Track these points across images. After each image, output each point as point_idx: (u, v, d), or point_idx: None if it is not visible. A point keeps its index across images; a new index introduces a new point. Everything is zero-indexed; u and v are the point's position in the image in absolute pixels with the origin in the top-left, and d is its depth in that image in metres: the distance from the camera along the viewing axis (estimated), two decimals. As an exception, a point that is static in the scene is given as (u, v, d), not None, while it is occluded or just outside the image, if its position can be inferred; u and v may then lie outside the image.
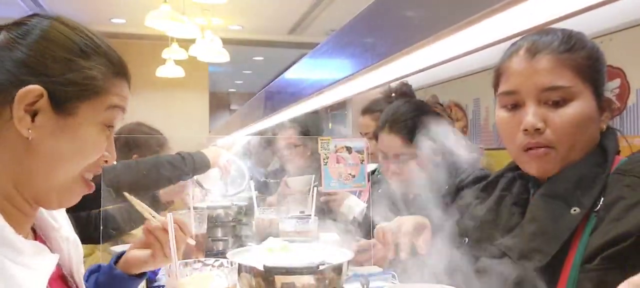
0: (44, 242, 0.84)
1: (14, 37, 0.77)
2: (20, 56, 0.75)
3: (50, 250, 0.81)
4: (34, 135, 0.74)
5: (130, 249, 1.16)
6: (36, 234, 0.85)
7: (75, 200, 0.82)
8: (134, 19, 6.41)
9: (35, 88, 0.74)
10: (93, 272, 1.14)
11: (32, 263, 0.72)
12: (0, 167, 0.75)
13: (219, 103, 11.71)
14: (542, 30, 0.99)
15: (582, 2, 0.53)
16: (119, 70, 0.86)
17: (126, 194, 1.24)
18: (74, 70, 0.78)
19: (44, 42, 0.77)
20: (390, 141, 1.74)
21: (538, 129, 0.95)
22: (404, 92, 2.07)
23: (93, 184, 0.84)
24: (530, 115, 0.96)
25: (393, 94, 2.13)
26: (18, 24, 0.80)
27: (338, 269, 1.09)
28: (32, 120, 0.74)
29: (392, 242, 1.19)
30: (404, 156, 1.71)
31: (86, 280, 1.11)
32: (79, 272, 0.90)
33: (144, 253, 1.13)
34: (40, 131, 0.75)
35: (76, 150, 0.79)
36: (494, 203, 1.11)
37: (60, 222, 0.88)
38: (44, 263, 0.75)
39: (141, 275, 1.16)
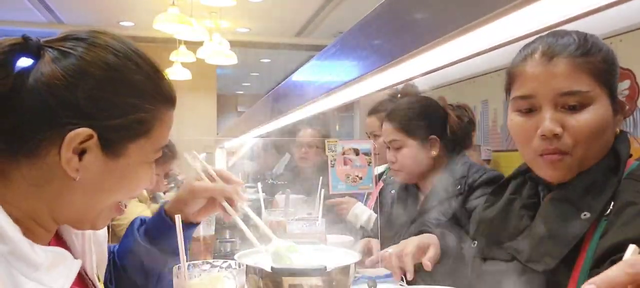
0: (65, 241, 0.83)
1: (58, 70, 0.71)
2: (67, 96, 0.70)
3: (72, 251, 0.80)
4: (81, 176, 0.72)
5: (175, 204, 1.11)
6: (57, 233, 0.83)
7: (105, 224, 0.82)
8: (142, 22, 6.45)
9: (84, 132, 0.70)
10: (141, 224, 1.12)
11: (45, 280, 0.70)
12: (38, 195, 0.73)
13: (226, 105, 11.74)
14: (556, 33, 0.97)
15: (593, 3, 0.53)
16: (169, 102, 0.81)
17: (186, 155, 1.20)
18: (126, 114, 0.74)
19: (94, 82, 0.71)
20: (386, 128, 1.80)
21: (556, 134, 0.94)
22: (410, 93, 2.07)
23: (123, 206, 0.83)
24: (548, 120, 0.94)
25: (399, 95, 2.14)
26: (61, 50, 0.73)
27: (345, 271, 1.08)
28: (79, 159, 0.72)
29: (397, 265, 1.21)
30: (396, 142, 1.76)
31: (136, 230, 1.10)
32: (102, 268, 0.90)
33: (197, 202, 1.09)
34: (87, 171, 0.72)
35: (122, 188, 0.77)
36: (504, 206, 1.11)
37: None
38: (61, 281, 0.72)
39: (190, 225, 1.13)
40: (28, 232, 0.71)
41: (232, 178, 1.13)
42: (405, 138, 1.75)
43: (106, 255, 0.97)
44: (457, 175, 1.67)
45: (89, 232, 0.87)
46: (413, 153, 1.74)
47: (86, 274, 0.87)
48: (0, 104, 0.69)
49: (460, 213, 1.51)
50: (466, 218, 1.37)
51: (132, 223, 1.13)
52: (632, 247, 0.61)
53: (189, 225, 1.13)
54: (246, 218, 1.20)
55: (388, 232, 1.77)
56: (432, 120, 1.76)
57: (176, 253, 0.88)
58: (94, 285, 0.88)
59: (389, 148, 1.82)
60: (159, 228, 1.09)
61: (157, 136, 0.79)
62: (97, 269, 0.89)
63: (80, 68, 0.72)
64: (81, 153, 0.72)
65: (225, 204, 1.10)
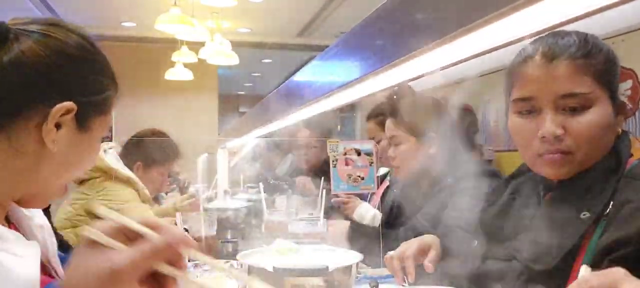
0: (18, 231, 0.84)
1: (45, 52, 0.77)
2: (54, 75, 0.77)
3: (26, 238, 0.81)
4: (56, 147, 0.77)
5: None
6: (10, 223, 0.85)
7: (48, 203, 0.87)
8: (144, 23, 6.45)
9: (70, 105, 0.77)
10: None
11: (18, 251, 0.72)
12: (2, 170, 0.76)
13: (228, 105, 11.74)
14: (556, 33, 0.97)
15: (595, 3, 0.53)
16: (116, 84, 0.89)
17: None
18: (99, 91, 0.83)
19: (73, 63, 0.80)
20: (387, 124, 1.81)
21: (557, 136, 0.94)
22: (406, 94, 2.08)
23: (67, 187, 0.87)
24: (549, 122, 0.94)
25: (395, 97, 2.14)
26: (44, 34, 0.79)
27: (347, 271, 1.09)
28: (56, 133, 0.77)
29: (399, 267, 1.21)
30: (396, 138, 1.76)
31: None
32: (56, 258, 0.90)
33: None
34: (60, 143, 0.77)
35: (83, 161, 0.83)
36: (504, 205, 1.11)
37: (32, 211, 0.89)
38: (31, 251, 0.75)
39: None
40: None
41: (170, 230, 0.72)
42: (405, 135, 1.75)
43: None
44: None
45: (40, 221, 0.89)
46: (412, 151, 1.75)
47: (49, 263, 0.88)
48: None
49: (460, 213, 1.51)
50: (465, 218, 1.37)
51: None
52: (584, 267, 0.68)
53: None
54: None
55: (390, 231, 1.77)
56: (433, 119, 1.76)
57: None
58: (56, 273, 0.88)
59: (389, 144, 1.82)
60: None
61: (110, 117, 0.87)
62: (52, 260, 0.89)
63: (60, 48, 0.79)
64: (58, 127, 0.77)
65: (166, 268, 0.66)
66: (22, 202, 0.82)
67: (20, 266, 0.69)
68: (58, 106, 0.76)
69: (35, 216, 0.89)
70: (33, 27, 0.80)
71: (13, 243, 0.73)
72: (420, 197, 1.81)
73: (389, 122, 1.81)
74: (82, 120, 0.80)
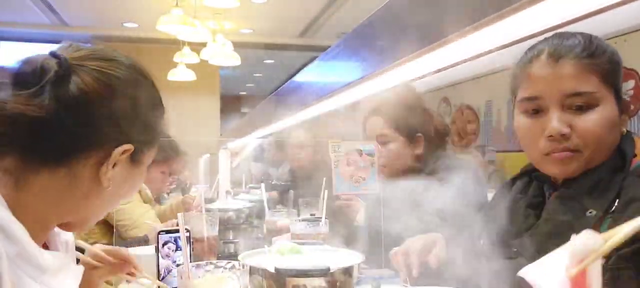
0: (49, 248, 0.85)
1: (103, 91, 0.75)
2: (115, 117, 0.77)
3: None
4: (110, 185, 0.78)
5: None
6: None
7: (88, 228, 0.91)
8: (146, 24, 6.47)
9: (129, 147, 0.77)
10: None
11: (53, 283, 0.72)
12: (52, 201, 0.76)
13: (230, 106, 11.76)
14: (562, 34, 0.98)
15: (598, 3, 0.53)
16: (163, 107, 0.90)
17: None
18: (153, 130, 0.84)
19: (133, 104, 0.79)
20: (373, 123, 1.80)
21: (564, 135, 0.95)
22: (406, 94, 2.08)
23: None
24: (555, 121, 0.95)
25: (384, 96, 2.15)
26: (102, 72, 0.77)
27: (349, 271, 1.09)
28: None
29: (404, 263, 1.21)
30: (384, 137, 1.77)
31: None
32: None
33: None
34: (115, 180, 0.78)
35: (133, 191, 0.85)
36: (509, 205, 1.11)
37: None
38: (68, 283, 0.76)
39: None
40: (31, 236, 0.72)
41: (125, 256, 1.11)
42: (392, 133, 1.76)
43: None
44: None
45: (65, 237, 0.89)
46: (398, 150, 1.75)
47: None
48: (38, 123, 0.71)
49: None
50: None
51: None
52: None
53: None
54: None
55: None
56: (419, 119, 1.77)
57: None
58: None
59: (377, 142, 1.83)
60: None
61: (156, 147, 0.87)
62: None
63: (121, 88, 0.78)
64: (113, 165, 0.78)
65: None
66: (65, 226, 0.83)
67: None
68: (119, 149, 0.77)
69: (61, 232, 0.89)
70: (91, 64, 0.77)
71: (51, 273, 0.72)
72: (406, 196, 1.81)
73: (376, 120, 1.81)
74: (136, 157, 0.81)
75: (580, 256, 0.55)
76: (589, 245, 0.55)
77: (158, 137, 0.86)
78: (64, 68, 0.74)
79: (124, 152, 0.77)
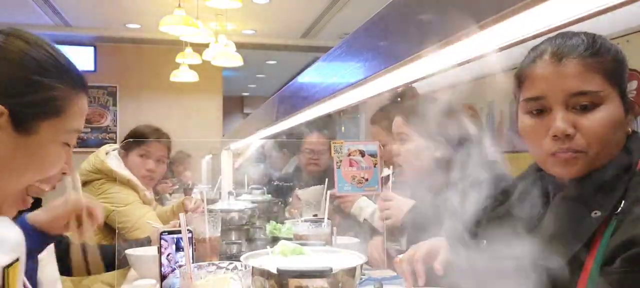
0: None
1: None
2: None
3: None
4: None
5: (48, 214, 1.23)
6: None
7: (12, 212, 0.85)
8: (148, 25, 6.48)
9: None
10: None
11: None
12: None
13: (232, 107, 11.77)
14: (565, 34, 0.97)
15: (600, 3, 0.52)
16: (79, 84, 0.87)
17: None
18: (34, 91, 0.80)
19: (4, 62, 0.78)
20: (396, 121, 1.80)
21: (568, 135, 0.94)
22: (410, 96, 2.07)
23: (29, 201, 0.87)
24: (560, 120, 0.94)
25: (399, 99, 2.14)
26: None
27: (351, 272, 1.08)
28: None
29: (409, 270, 1.21)
30: (404, 136, 1.75)
31: None
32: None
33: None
34: (0, 146, 0.77)
35: (34, 166, 0.82)
36: (513, 204, 1.10)
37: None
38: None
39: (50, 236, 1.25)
40: None
41: (88, 203, 1.25)
42: (413, 133, 1.74)
43: None
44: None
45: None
46: (418, 150, 1.74)
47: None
48: None
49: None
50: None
51: None
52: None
53: (50, 237, 1.25)
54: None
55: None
56: (444, 121, 1.75)
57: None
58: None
59: (395, 140, 1.82)
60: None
61: (68, 117, 0.84)
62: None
63: None
64: None
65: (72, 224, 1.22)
66: None
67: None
68: None
69: None
70: None
71: None
72: (424, 197, 1.80)
73: (398, 119, 1.80)
74: (20, 123, 0.78)
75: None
76: None
77: (50, 105, 0.81)
78: None
79: None
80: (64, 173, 0.88)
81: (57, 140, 0.83)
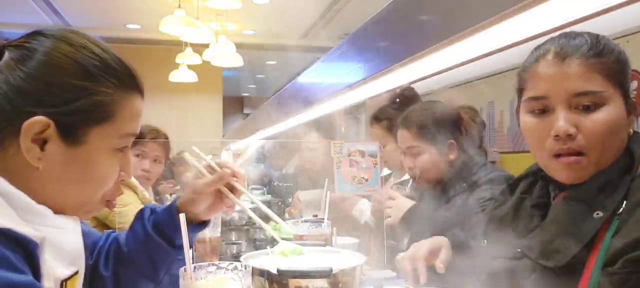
0: None
1: (14, 63, 0.74)
2: (22, 85, 0.73)
3: None
4: (44, 165, 0.73)
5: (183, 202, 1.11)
6: None
7: (89, 216, 0.84)
8: (149, 25, 6.48)
9: (40, 120, 0.72)
10: (151, 213, 1.10)
11: (58, 223, 0.74)
12: (12, 180, 0.73)
13: (232, 107, 11.77)
14: (568, 34, 0.97)
15: (601, 4, 0.53)
16: (130, 85, 0.82)
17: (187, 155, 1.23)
18: (81, 97, 0.75)
19: (46, 69, 0.74)
20: (402, 135, 1.77)
21: (570, 135, 0.94)
22: (409, 96, 2.07)
23: (114, 203, 0.84)
24: (562, 120, 0.94)
25: (397, 99, 2.13)
26: (19, 46, 0.76)
27: (351, 273, 1.08)
28: (42, 149, 0.73)
29: (410, 269, 1.21)
30: (415, 149, 1.74)
31: (147, 220, 1.08)
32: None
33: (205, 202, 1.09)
34: (50, 160, 0.74)
35: (88, 176, 0.78)
36: (514, 205, 1.10)
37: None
38: (68, 220, 0.76)
39: (202, 224, 1.13)
40: None
41: (232, 167, 1.12)
42: (424, 144, 1.73)
43: None
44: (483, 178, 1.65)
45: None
46: (433, 159, 1.72)
47: None
48: None
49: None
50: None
51: (142, 211, 1.11)
52: None
53: (201, 224, 1.13)
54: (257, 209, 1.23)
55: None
56: (449, 125, 1.74)
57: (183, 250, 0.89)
58: None
59: (404, 154, 1.79)
60: (168, 223, 1.07)
61: (120, 121, 0.79)
62: None
63: (29, 55, 0.74)
64: (44, 143, 0.73)
65: (227, 192, 1.10)
66: (58, 211, 0.78)
67: (60, 236, 0.73)
68: (27, 122, 0.71)
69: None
70: (23, 40, 0.76)
71: (51, 218, 0.74)
72: (444, 202, 1.79)
73: (404, 132, 1.78)
74: (67, 133, 0.74)
75: None
76: None
77: (97, 110, 0.76)
78: None
79: (44, 127, 0.72)
80: (122, 180, 0.84)
81: (109, 146, 0.79)
